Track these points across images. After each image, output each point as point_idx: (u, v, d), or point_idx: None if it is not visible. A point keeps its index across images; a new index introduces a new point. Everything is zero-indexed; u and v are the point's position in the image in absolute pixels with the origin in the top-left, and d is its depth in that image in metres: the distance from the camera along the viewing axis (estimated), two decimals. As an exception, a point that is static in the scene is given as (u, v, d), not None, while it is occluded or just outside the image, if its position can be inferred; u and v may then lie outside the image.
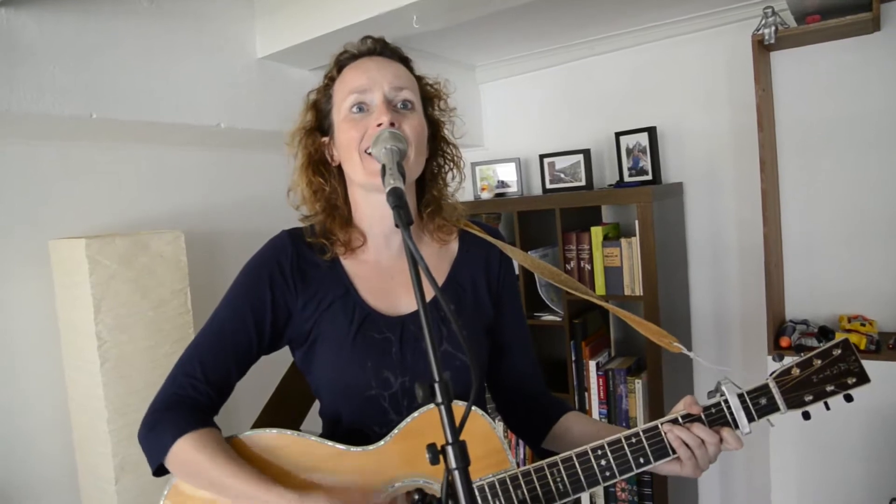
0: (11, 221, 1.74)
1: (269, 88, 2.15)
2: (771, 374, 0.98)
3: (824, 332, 2.17)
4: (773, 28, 2.08)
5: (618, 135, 2.60)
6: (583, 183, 2.67)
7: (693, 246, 2.65)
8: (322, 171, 1.06)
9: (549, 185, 2.75)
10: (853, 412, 1.12)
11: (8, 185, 1.73)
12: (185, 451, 0.93)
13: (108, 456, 1.64)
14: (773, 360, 1.03)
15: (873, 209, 2.25)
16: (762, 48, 2.17)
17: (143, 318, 1.71)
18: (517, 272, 2.51)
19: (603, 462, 0.92)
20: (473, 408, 0.94)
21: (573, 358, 2.55)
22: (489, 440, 0.95)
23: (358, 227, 1.07)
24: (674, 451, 0.93)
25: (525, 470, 0.92)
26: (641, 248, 2.32)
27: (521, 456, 2.73)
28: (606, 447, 0.93)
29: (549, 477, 0.92)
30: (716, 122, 2.55)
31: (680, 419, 0.95)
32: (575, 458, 0.92)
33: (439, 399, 0.72)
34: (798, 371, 0.98)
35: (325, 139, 1.07)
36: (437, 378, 0.72)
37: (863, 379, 0.98)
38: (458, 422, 0.72)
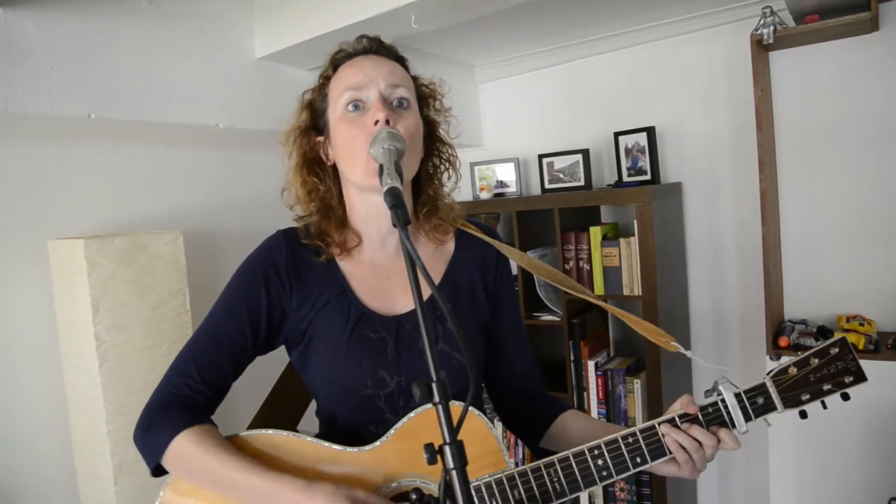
0: (10, 221, 1.74)
1: (268, 88, 2.15)
2: (768, 374, 0.98)
3: (823, 332, 2.17)
4: (771, 28, 2.08)
5: (616, 135, 2.60)
6: (581, 183, 2.66)
7: (692, 246, 2.66)
8: (317, 170, 1.06)
9: (547, 185, 2.75)
10: (852, 411, 1.13)
11: (7, 186, 1.74)
12: (184, 447, 0.93)
13: (107, 456, 1.64)
14: (771, 359, 1.03)
15: (872, 209, 2.25)
16: (761, 48, 2.17)
17: (141, 319, 1.72)
18: (515, 272, 2.51)
19: (600, 462, 0.92)
20: (470, 408, 0.94)
21: (572, 358, 2.55)
22: (486, 440, 0.95)
23: (353, 228, 1.07)
24: (670, 451, 0.93)
25: (522, 470, 0.92)
26: (640, 248, 2.32)
27: (520, 456, 2.73)
28: (603, 447, 0.93)
29: (545, 477, 0.92)
30: (714, 121, 2.55)
31: (677, 419, 0.95)
32: (572, 458, 0.92)
33: (436, 398, 0.72)
34: (795, 370, 0.98)
35: (321, 138, 1.07)
36: (434, 377, 0.72)
37: (860, 378, 0.98)
38: (455, 421, 0.72)
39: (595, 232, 2.47)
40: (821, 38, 2.19)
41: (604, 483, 0.93)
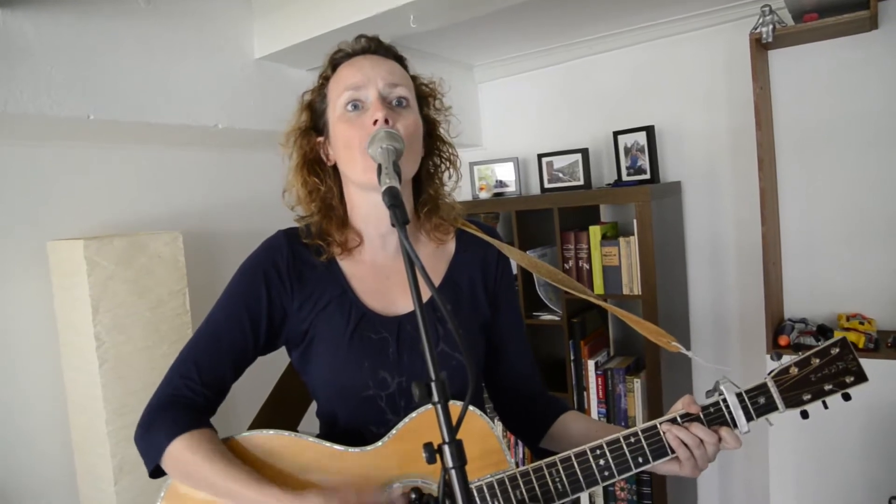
0: (10, 222, 1.74)
1: (267, 89, 2.15)
2: (769, 374, 0.98)
3: (823, 331, 2.17)
4: (770, 27, 2.08)
5: (616, 134, 2.60)
6: (581, 182, 2.66)
7: (691, 245, 2.66)
8: (317, 171, 1.06)
9: (547, 185, 2.75)
10: (852, 411, 1.13)
11: (6, 186, 1.73)
12: (181, 451, 0.93)
13: (107, 457, 1.64)
14: (772, 358, 1.02)
15: (872, 208, 2.25)
16: (760, 47, 2.17)
17: (141, 319, 1.71)
18: (515, 272, 2.51)
19: (601, 462, 0.92)
20: (471, 408, 0.94)
21: (572, 357, 2.55)
22: (487, 440, 0.94)
23: (354, 228, 1.07)
24: (672, 451, 0.93)
25: (524, 470, 0.92)
26: (640, 248, 2.32)
27: (521, 456, 2.73)
28: (605, 447, 0.93)
29: (547, 477, 0.92)
30: (714, 120, 2.55)
31: (679, 419, 0.95)
32: (574, 459, 0.92)
33: (436, 398, 0.71)
34: (796, 370, 0.98)
35: (321, 139, 1.07)
36: (433, 377, 0.72)
37: (861, 378, 0.98)
38: (455, 421, 0.72)
39: (594, 231, 2.47)
40: (820, 36, 2.19)
41: (606, 483, 0.93)
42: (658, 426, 0.94)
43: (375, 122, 0.95)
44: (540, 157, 2.77)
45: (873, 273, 2.26)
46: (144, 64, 1.79)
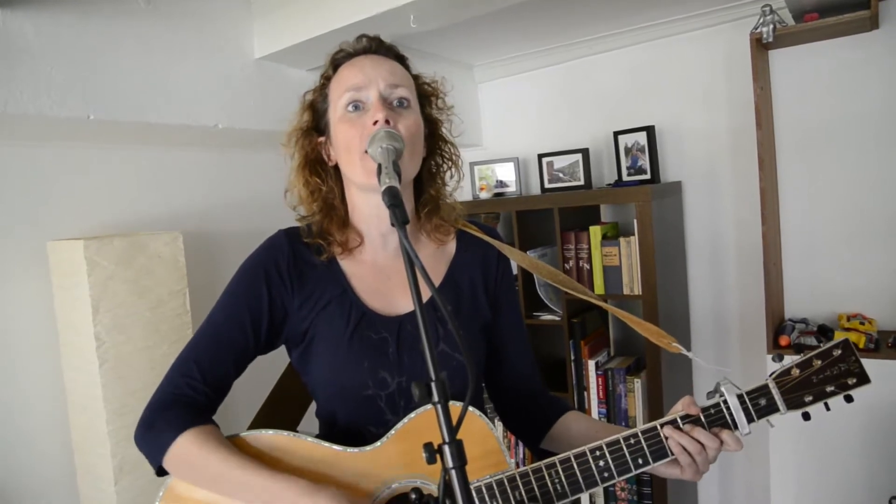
0: (10, 222, 1.74)
1: (267, 89, 2.15)
2: (771, 375, 0.98)
3: (823, 331, 2.17)
4: (771, 26, 2.08)
5: (616, 134, 2.59)
6: (581, 182, 2.66)
7: (692, 245, 2.65)
8: (319, 171, 1.06)
9: (547, 185, 2.75)
10: (852, 411, 1.13)
11: (6, 186, 1.73)
12: (186, 447, 0.92)
13: (107, 457, 1.64)
14: (773, 360, 1.02)
15: (872, 207, 2.25)
16: (760, 46, 2.17)
17: (141, 319, 1.71)
18: (515, 272, 2.51)
19: (601, 463, 0.92)
20: (471, 408, 0.94)
21: (572, 357, 2.55)
22: (487, 441, 0.94)
23: (355, 227, 1.07)
24: (672, 453, 0.93)
25: (523, 471, 0.92)
26: (640, 248, 2.31)
27: (521, 456, 2.73)
28: (605, 448, 0.92)
29: (547, 478, 0.92)
30: (714, 120, 2.55)
31: (679, 420, 0.95)
32: (573, 460, 0.92)
33: (436, 398, 0.71)
34: (798, 371, 0.98)
35: (322, 139, 1.07)
36: (433, 378, 0.72)
37: (863, 379, 0.97)
38: (455, 421, 0.72)
39: (595, 231, 2.47)
40: (820, 36, 2.19)
41: (605, 484, 0.92)
42: (658, 428, 0.94)
43: (376, 122, 0.95)
44: (540, 157, 2.77)
45: (874, 273, 2.26)
46: (144, 64, 1.79)
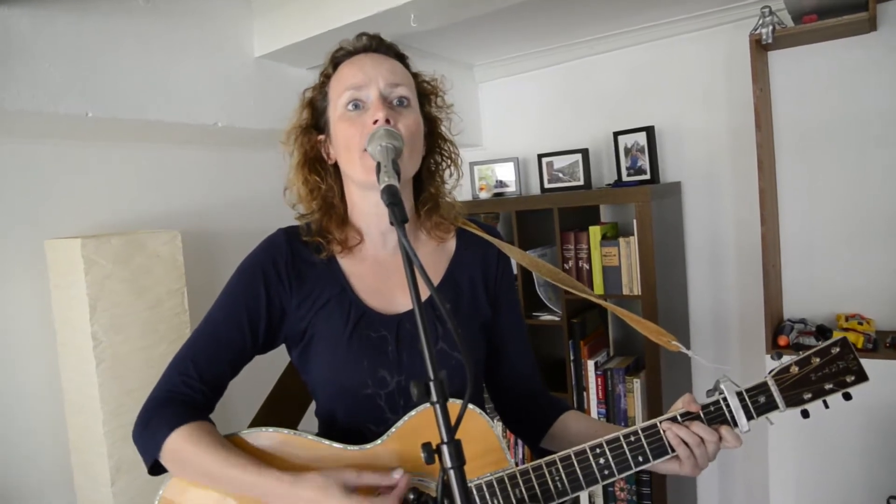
0: (7, 221, 1.73)
1: (267, 87, 2.15)
2: (770, 373, 0.98)
3: (822, 331, 2.17)
4: (770, 28, 2.08)
5: (616, 134, 2.60)
6: (581, 182, 2.66)
7: (691, 245, 2.65)
8: (318, 169, 1.06)
9: (547, 185, 2.75)
10: (851, 411, 1.13)
11: (4, 185, 1.73)
12: (179, 443, 0.92)
13: (104, 457, 1.63)
14: (772, 358, 1.02)
15: (871, 208, 2.25)
16: (759, 48, 2.17)
17: (138, 319, 1.71)
18: (515, 271, 2.50)
19: (601, 461, 0.92)
20: (471, 406, 0.94)
21: (572, 357, 2.54)
22: (487, 439, 0.94)
23: (354, 226, 1.07)
24: (673, 450, 0.93)
25: (523, 469, 0.91)
26: (640, 248, 2.31)
27: (521, 455, 2.73)
28: (605, 446, 0.92)
29: (547, 476, 0.91)
30: (714, 121, 2.55)
31: (679, 417, 0.95)
32: (573, 457, 0.92)
33: (434, 398, 0.71)
34: (797, 369, 0.98)
35: (321, 137, 1.07)
36: (432, 377, 0.72)
37: (861, 377, 0.97)
38: (454, 421, 0.71)
39: (594, 231, 2.47)
40: (819, 37, 2.19)
41: (605, 482, 0.92)
42: (658, 425, 0.94)
43: (376, 121, 0.95)
44: (540, 157, 2.77)
45: (872, 273, 2.26)
46: (143, 62, 1.78)
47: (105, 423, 1.63)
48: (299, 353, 1.06)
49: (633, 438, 0.93)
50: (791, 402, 0.96)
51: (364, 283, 1.06)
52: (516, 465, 0.91)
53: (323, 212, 1.06)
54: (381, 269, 1.07)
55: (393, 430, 0.95)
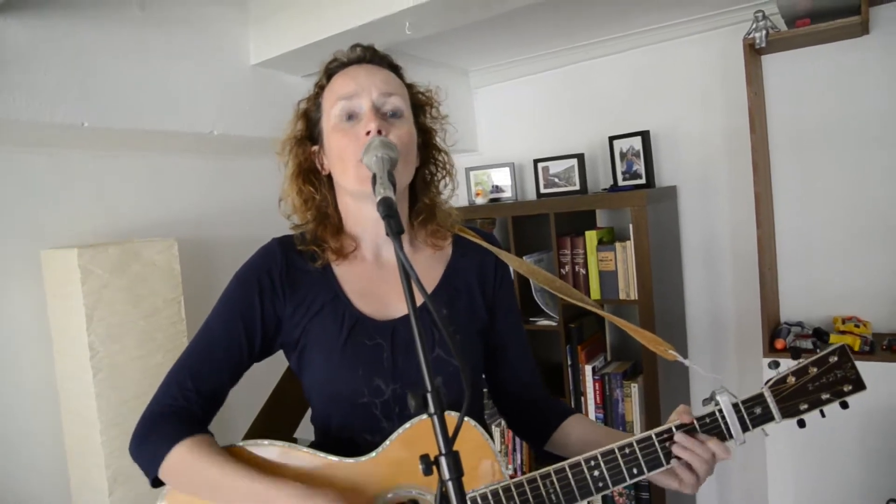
0: (3, 230, 1.73)
1: (263, 95, 2.15)
2: (766, 383, 0.98)
3: (819, 334, 2.17)
4: (763, 32, 2.09)
5: (611, 139, 2.60)
6: (577, 187, 2.67)
7: (687, 249, 2.66)
8: (312, 179, 1.06)
9: (543, 190, 2.75)
10: (849, 414, 1.13)
11: (-1, 194, 1.72)
12: (182, 457, 0.92)
13: (102, 467, 1.63)
14: (770, 367, 1.02)
15: (866, 210, 2.26)
16: (753, 52, 2.18)
17: (135, 328, 1.70)
18: (513, 277, 2.50)
19: (596, 473, 0.92)
20: (466, 419, 0.94)
21: (569, 362, 2.55)
22: (482, 451, 0.94)
23: (349, 234, 1.07)
24: (667, 462, 0.93)
25: (518, 481, 0.91)
26: (636, 252, 2.32)
27: (519, 462, 2.73)
28: (599, 458, 0.92)
29: (542, 488, 0.91)
30: (709, 125, 2.55)
31: (674, 429, 0.95)
32: (568, 469, 0.92)
33: (432, 409, 0.71)
34: (793, 379, 0.97)
35: (315, 148, 1.07)
36: (429, 388, 0.72)
37: (859, 386, 0.97)
38: (451, 432, 0.71)
39: (591, 236, 2.47)
40: (812, 41, 2.20)
41: (600, 493, 0.92)
42: (653, 437, 0.94)
43: (368, 132, 0.95)
44: (536, 162, 2.77)
45: (869, 276, 2.27)
46: (140, 70, 1.78)
47: (102, 432, 1.63)
48: (296, 360, 1.06)
49: (627, 451, 0.93)
50: (787, 412, 0.96)
51: (358, 290, 1.06)
52: (514, 472, 0.91)
53: (317, 222, 1.06)
54: (376, 276, 1.07)
55: (388, 442, 0.95)
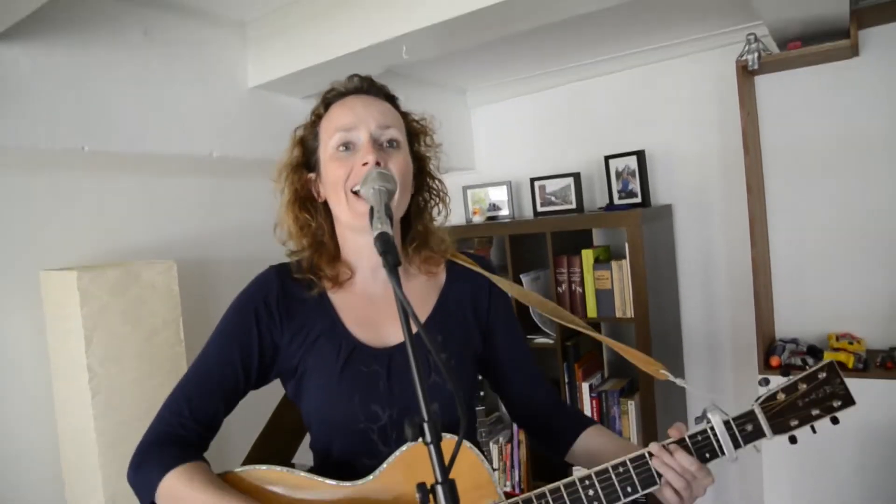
0: (2, 252, 1.74)
1: (261, 117, 2.17)
2: (756, 400, 0.99)
3: (813, 352, 2.19)
4: (756, 54, 2.13)
5: (607, 158, 2.63)
6: (573, 206, 2.69)
7: (683, 267, 2.68)
8: (308, 207, 1.08)
9: (540, 209, 2.78)
10: (844, 430, 1.14)
11: (-1, 216, 1.74)
12: (175, 484, 0.93)
13: (99, 489, 1.63)
14: (760, 384, 1.04)
15: (859, 228, 2.28)
16: (746, 73, 2.22)
17: (134, 350, 1.71)
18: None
19: (590, 492, 0.93)
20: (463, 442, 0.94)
21: (566, 380, 2.55)
22: (478, 472, 0.95)
23: (345, 262, 1.08)
24: (661, 479, 0.94)
25: (513, 501, 0.92)
26: (632, 271, 2.33)
27: (517, 479, 2.72)
28: (594, 477, 0.93)
29: (537, 509, 0.92)
30: (703, 144, 2.59)
31: (666, 446, 0.96)
32: (563, 489, 0.93)
33: (429, 438, 0.72)
34: (783, 396, 0.99)
35: (312, 175, 1.08)
36: (426, 418, 0.73)
37: (848, 401, 0.99)
38: (448, 459, 0.72)
39: (587, 255, 2.49)
40: (804, 63, 2.24)
41: (596, 513, 0.93)
42: (647, 456, 0.95)
43: (365, 164, 0.98)
44: (532, 180, 2.80)
45: (862, 293, 2.29)
46: (139, 94, 1.81)
47: (101, 454, 1.63)
48: (293, 388, 1.07)
49: (621, 469, 0.94)
50: (778, 429, 0.97)
51: (355, 318, 1.07)
52: (513, 489, 0.92)
53: (313, 249, 1.07)
54: (372, 304, 1.08)
55: (384, 465, 0.96)
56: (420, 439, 0.72)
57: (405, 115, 1.10)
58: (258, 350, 1.03)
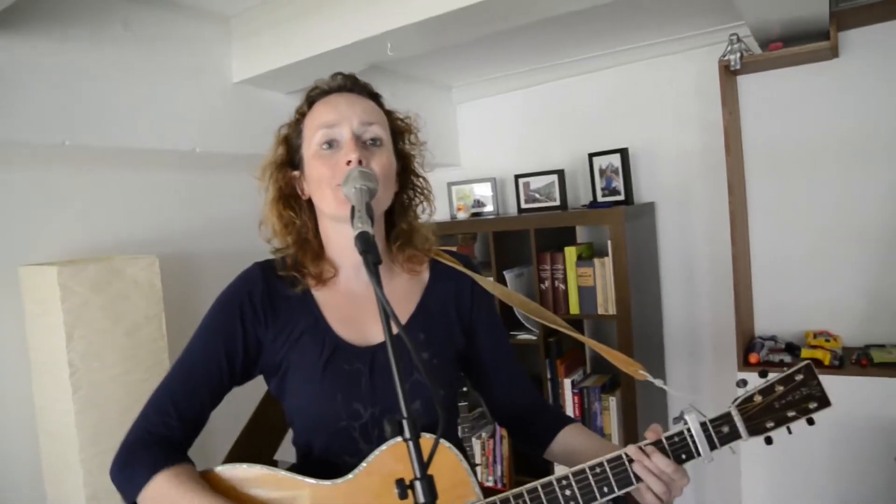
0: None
1: (245, 112, 2.15)
2: (733, 402, 1.00)
3: (791, 349, 2.22)
4: (738, 55, 2.15)
5: (591, 155, 2.65)
6: (557, 203, 2.71)
7: (665, 265, 2.71)
8: (293, 204, 1.08)
9: (524, 205, 2.79)
10: (819, 427, 1.16)
11: (-23, 211, 1.71)
12: (161, 487, 0.93)
13: (80, 486, 1.62)
14: (738, 385, 1.05)
15: (837, 227, 2.32)
16: (728, 73, 2.24)
17: (116, 345, 1.70)
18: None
19: (567, 492, 0.94)
20: (442, 441, 0.95)
21: (549, 376, 2.57)
22: (456, 472, 0.96)
23: (329, 259, 1.09)
24: (638, 480, 0.95)
25: (491, 501, 0.93)
26: (614, 268, 2.36)
27: (499, 473, 2.74)
28: (571, 477, 0.95)
29: (515, 508, 0.93)
30: (686, 143, 2.61)
31: (642, 448, 0.97)
32: (540, 489, 0.94)
33: (407, 435, 0.73)
34: (760, 398, 1.00)
35: (296, 173, 1.09)
36: (405, 414, 0.74)
37: (824, 403, 1.00)
38: (426, 456, 0.73)
39: (570, 252, 2.51)
40: (785, 63, 2.27)
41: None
42: (623, 456, 0.96)
43: (349, 162, 0.98)
44: (517, 177, 2.81)
45: (839, 291, 2.33)
46: (122, 89, 1.79)
47: (81, 450, 1.62)
48: (276, 385, 1.07)
49: (598, 470, 0.95)
50: (754, 430, 0.99)
51: (338, 315, 1.07)
52: (494, 485, 0.93)
53: (298, 246, 1.07)
54: (355, 302, 1.09)
55: (364, 464, 0.97)
56: (400, 436, 0.73)
57: (389, 114, 1.11)
58: (242, 346, 1.03)
